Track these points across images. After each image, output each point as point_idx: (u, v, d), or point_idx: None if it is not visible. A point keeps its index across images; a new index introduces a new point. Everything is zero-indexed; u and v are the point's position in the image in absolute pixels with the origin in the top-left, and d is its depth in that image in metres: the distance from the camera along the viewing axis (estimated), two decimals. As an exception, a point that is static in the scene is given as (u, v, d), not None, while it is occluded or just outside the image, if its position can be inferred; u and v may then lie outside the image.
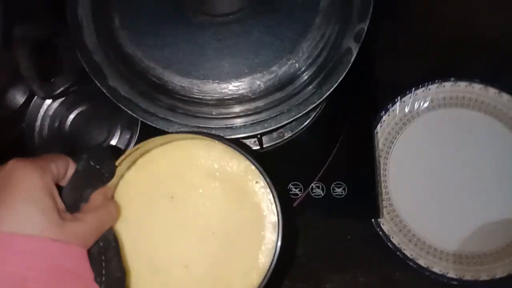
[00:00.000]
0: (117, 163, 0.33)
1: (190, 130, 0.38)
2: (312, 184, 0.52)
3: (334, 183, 0.52)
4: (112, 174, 0.32)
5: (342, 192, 0.52)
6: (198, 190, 0.35)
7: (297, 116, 0.40)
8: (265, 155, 0.53)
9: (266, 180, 0.35)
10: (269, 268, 0.32)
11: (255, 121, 0.40)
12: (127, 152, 0.34)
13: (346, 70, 0.41)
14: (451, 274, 0.53)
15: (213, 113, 0.41)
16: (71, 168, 0.30)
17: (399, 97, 0.59)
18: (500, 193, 0.56)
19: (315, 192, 0.52)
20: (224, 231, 0.35)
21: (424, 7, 0.64)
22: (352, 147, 0.53)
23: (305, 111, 0.40)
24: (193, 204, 0.35)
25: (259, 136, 0.48)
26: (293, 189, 0.52)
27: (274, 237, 0.34)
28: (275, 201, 0.34)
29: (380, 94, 0.59)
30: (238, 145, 0.35)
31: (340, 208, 0.51)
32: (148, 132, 0.38)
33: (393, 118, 0.59)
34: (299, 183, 0.52)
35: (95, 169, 0.30)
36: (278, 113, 0.40)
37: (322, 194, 0.52)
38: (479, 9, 0.63)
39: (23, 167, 0.26)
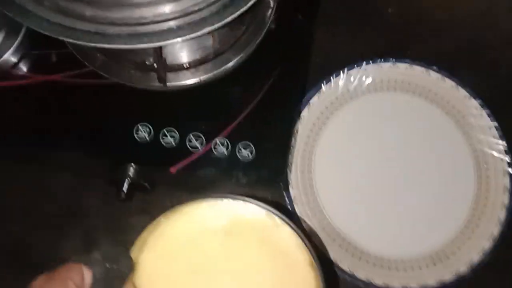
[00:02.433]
0: (132, 255, 0.30)
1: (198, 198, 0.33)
2: (216, 139, 0.44)
3: (241, 142, 0.44)
4: (131, 268, 0.30)
5: (248, 154, 0.44)
6: (219, 255, 0.30)
7: (187, 37, 0.32)
8: (170, 95, 0.45)
9: (290, 225, 0.31)
10: None
11: (133, 32, 0.32)
12: (137, 240, 0.31)
13: (259, -5, 0.33)
14: (377, 281, 0.47)
15: (86, 14, 0.33)
16: (87, 274, 0.27)
17: (333, 75, 0.52)
18: (436, 191, 0.50)
19: (217, 149, 0.44)
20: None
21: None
22: (271, 109, 0.45)
23: (196, 34, 0.32)
24: (219, 271, 0.30)
25: (155, 65, 0.41)
26: (194, 141, 0.44)
27: None
28: (304, 241, 0.30)
29: (313, 69, 0.52)
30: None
31: (244, 172, 0.44)
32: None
33: (323, 99, 0.52)
34: (201, 135, 0.44)
35: (113, 270, 0.28)
36: (165, 28, 0.32)
37: (225, 153, 0.44)
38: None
39: None
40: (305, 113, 0.52)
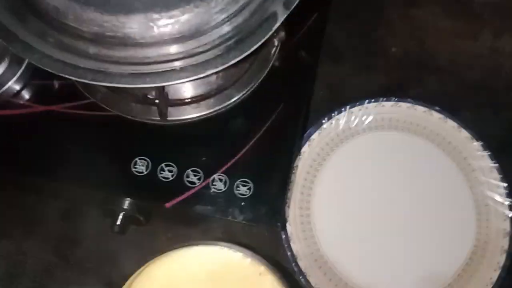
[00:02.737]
0: None
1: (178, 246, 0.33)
2: (214, 176, 0.44)
3: (240, 179, 0.44)
4: None
5: (246, 192, 0.44)
6: None
7: (190, 79, 0.32)
8: (170, 129, 0.45)
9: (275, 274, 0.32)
10: None
11: (136, 71, 0.32)
12: (125, 285, 0.31)
13: (264, 38, 0.33)
14: None
15: (90, 52, 0.33)
16: None
17: (334, 113, 0.52)
18: (436, 233, 0.49)
19: (215, 185, 0.44)
20: None
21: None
22: (271, 145, 0.45)
23: (198, 76, 0.32)
24: None
25: (156, 101, 0.40)
26: (191, 176, 0.44)
27: None
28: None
29: (314, 106, 0.52)
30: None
31: (240, 209, 0.43)
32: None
33: (324, 136, 0.52)
34: (200, 171, 0.44)
35: None
36: (168, 69, 0.32)
37: (223, 189, 0.44)
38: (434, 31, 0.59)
39: None
40: (305, 149, 0.52)
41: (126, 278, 0.48)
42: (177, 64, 0.32)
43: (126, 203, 0.43)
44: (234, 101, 0.45)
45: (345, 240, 0.49)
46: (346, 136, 0.52)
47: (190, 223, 0.50)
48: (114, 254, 0.49)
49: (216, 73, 0.34)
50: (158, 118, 0.43)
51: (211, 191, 0.44)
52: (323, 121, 0.52)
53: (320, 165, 0.52)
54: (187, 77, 0.32)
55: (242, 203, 0.43)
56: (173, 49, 0.33)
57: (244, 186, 0.44)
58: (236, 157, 0.45)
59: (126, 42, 0.32)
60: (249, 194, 0.44)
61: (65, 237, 0.49)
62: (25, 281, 0.48)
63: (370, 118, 0.53)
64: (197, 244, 0.32)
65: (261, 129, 0.45)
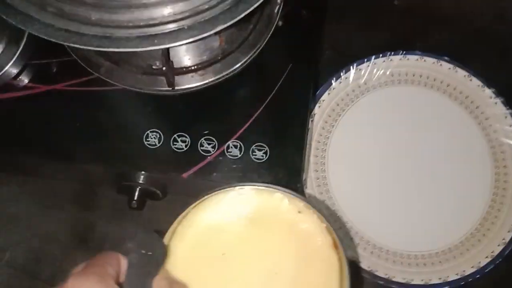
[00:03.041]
0: (165, 242, 0.31)
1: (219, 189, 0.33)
2: (229, 142, 0.43)
3: (255, 144, 0.43)
4: (165, 255, 0.30)
5: (263, 156, 0.43)
6: (245, 240, 0.32)
7: (200, 37, 0.31)
8: (177, 100, 0.44)
9: (312, 209, 0.32)
10: None
11: (143, 34, 0.31)
12: (169, 229, 0.32)
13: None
14: (398, 278, 0.45)
15: (92, 18, 0.31)
16: (122, 260, 0.29)
17: (342, 71, 0.51)
18: (452, 185, 0.49)
19: (230, 152, 0.43)
20: (285, 271, 0.31)
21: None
22: (282, 107, 0.44)
23: (208, 33, 0.31)
24: (245, 255, 0.32)
25: (163, 68, 0.39)
26: (206, 145, 0.43)
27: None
28: (326, 224, 0.31)
29: (321, 67, 0.51)
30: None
31: (258, 174, 0.42)
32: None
33: (334, 96, 0.51)
34: (213, 139, 0.43)
35: (147, 256, 0.29)
36: (175, 28, 0.31)
37: (239, 155, 0.43)
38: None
39: (85, 281, 0.26)
40: (316, 110, 0.51)
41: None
42: (184, 23, 0.31)
43: (142, 177, 0.43)
44: (241, 64, 0.44)
45: (363, 198, 0.49)
46: (356, 95, 0.52)
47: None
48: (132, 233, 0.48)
49: (220, 34, 0.33)
50: (166, 89, 0.42)
51: (227, 158, 0.43)
52: (332, 80, 0.51)
53: (332, 126, 0.51)
54: (196, 35, 0.31)
55: (260, 168, 0.43)
56: (179, 7, 0.31)
57: (260, 150, 0.43)
58: (249, 122, 0.44)
59: (129, 4, 0.31)
60: (265, 158, 0.43)
61: (82, 219, 0.49)
62: (45, 266, 0.48)
63: (379, 73, 0.51)
64: (234, 187, 0.32)
65: (271, 92, 0.44)
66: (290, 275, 0.31)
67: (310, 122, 0.49)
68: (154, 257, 0.30)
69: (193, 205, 0.32)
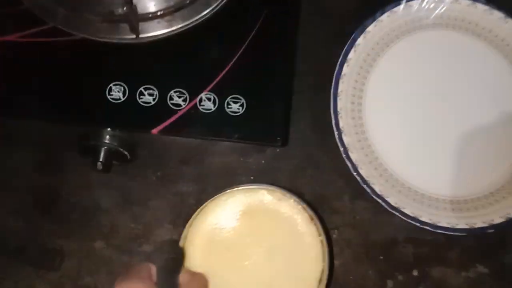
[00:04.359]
0: (181, 245, 0.39)
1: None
2: (201, 95, 0.39)
3: (231, 96, 0.39)
4: (183, 255, 0.38)
5: (239, 109, 0.39)
6: (244, 232, 0.39)
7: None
8: (142, 50, 0.40)
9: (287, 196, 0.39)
10: None
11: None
12: (182, 234, 0.39)
13: None
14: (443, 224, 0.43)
15: None
16: (152, 267, 0.35)
17: (377, 14, 0.47)
18: (488, 129, 0.46)
19: (203, 105, 0.39)
20: (279, 247, 0.39)
21: None
22: (260, 56, 0.40)
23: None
24: (246, 244, 0.39)
25: (126, 13, 0.35)
26: (176, 98, 0.39)
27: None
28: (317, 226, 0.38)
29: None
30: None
31: (234, 129, 0.39)
32: None
33: (369, 40, 0.47)
34: (184, 92, 0.39)
35: (171, 259, 0.36)
36: None
37: (213, 109, 0.39)
38: None
39: (131, 283, 0.32)
40: (351, 55, 0.47)
41: (115, 225, 0.44)
42: None
43: (107, 136, 0.39)
44: (211, 10, 0.40)
45: (400, 145, 0.46)
46: (391, 39, 0.48)
47: (181, 158, 0.45)
48: (99, 201, 0.44)
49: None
50: (130, 37, 0.38)
51: (200, 112, 0.39)
52: (367, 22, 0.47)
53: (367, 72, 0.48)
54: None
55: (236, 122, 0.39)
56: None
57: (236, 103, 0.40)
58: (223, 73, 0.40)
59: None
60: (242, 111, 0.39)
61: (44, 189, 0.45)
62: (9, 241, 0.44)
63: (412, 17, 0.48)
64: (225, 191, 0.39)
65: (247, 39, 0.40)
66: (283, 249, 0.38)
67: (345, 67, 0.45)
68: (176, 258, 0.37)
69: (195, 214, 0.39)
